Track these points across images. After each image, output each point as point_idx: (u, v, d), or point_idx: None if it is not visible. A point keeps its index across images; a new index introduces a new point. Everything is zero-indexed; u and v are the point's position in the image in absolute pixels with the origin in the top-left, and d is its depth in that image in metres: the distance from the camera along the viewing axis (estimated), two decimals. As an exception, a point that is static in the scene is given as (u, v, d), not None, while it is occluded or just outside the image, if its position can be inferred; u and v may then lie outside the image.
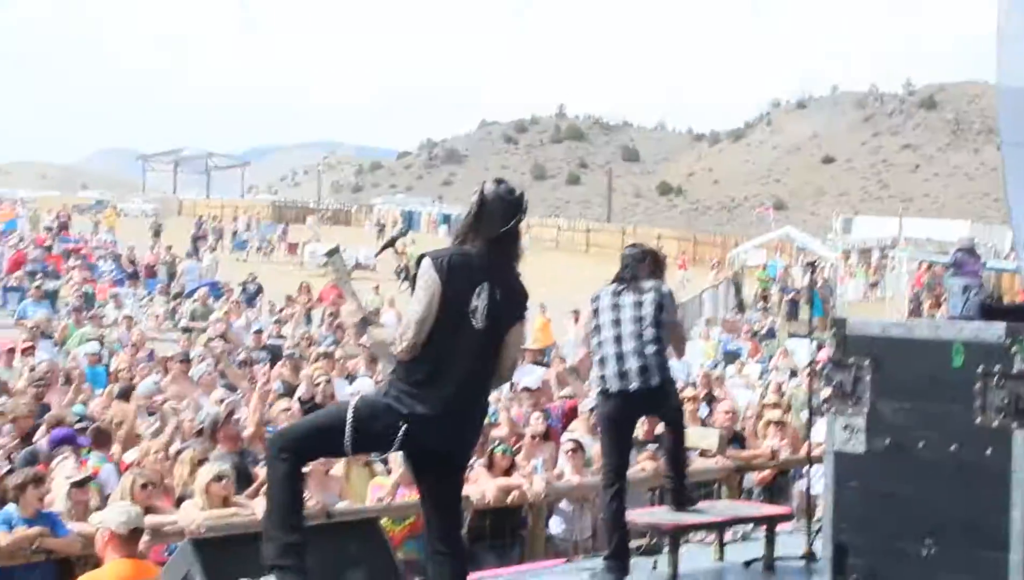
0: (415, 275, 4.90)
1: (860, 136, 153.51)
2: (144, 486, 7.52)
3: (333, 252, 5.52)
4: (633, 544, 6.95)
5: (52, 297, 25.06)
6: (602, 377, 6.83)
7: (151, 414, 10.67)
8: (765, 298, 36.05)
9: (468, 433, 5.06)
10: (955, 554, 4.61)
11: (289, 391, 12.51)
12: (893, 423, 4.79)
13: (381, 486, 8.71)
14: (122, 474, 8.34)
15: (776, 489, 10.74)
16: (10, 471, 8.01)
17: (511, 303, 4.99)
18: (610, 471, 6.85)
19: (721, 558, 7.37)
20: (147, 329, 22.05)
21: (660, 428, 9.17)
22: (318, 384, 11.91)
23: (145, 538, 6.54)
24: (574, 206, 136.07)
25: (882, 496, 4.81)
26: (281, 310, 24.18)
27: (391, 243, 5.51)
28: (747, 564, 7.19)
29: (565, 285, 29.37)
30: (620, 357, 6.76)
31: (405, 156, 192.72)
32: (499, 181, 5.09)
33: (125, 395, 11.77)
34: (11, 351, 14.77)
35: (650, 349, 6.77)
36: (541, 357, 18.15)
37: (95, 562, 6.54)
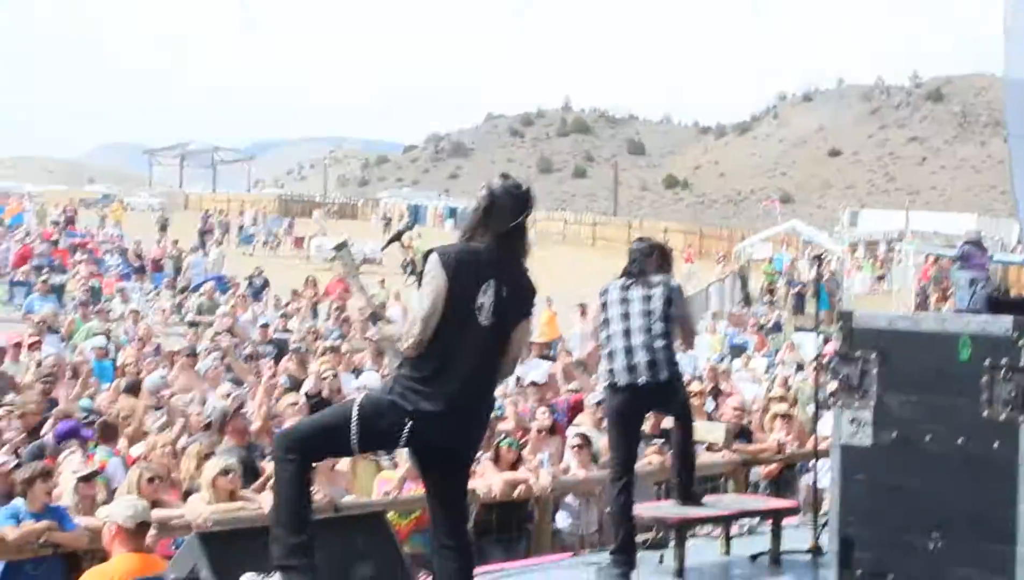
0: (422, 271, 4.90)
1: (867, 129, 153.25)
2: (151, 480, 7.54)
3: (342, 246, 5.50)
4: (639, 538, 6.94)
5: (59, 291, 25.10)
6: (611, 371, 6.82)
7: (158, 409, 10.68)
8: (771, 292, 36.01)
9: (474, 429, 5.05)
10: (962, 547, 4.61)
11: (295, 385, 12.52)
12: (900, 416, 4.79)
13: (388, 480, 8.72)
14: (129, 468, 8.36)
15: (783, 483, 10.73)
16: (18, 465, 8.03)
17: (518, 299, 4.99)
18: (618, 465, 6.85)
19: (727, 552, 7.37)
20: (153, 323, 22.07)
21: (666, 422, 9.17)
22: (325, 378, 11.92)
23: (152, 532, 6.55)
24: (580, 199, 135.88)
25: (889, 489, 4.81)
26: (287, 304, 24.19)
27: (398, 237, 5.48)
28: (753, 558, 7.19)
29: (571, 279, 29.36)
30: (629, 351, 6.77)
31: (411, 150, 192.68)
32: (505, 177, 5.09)
33: (132, 389, 11.79)
34: (17, 345, 14.79)
35: (659, 343, 6.77)
36: (547, 350, 18.18)
37: (102, 556, 6.55)
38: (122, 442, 9.53)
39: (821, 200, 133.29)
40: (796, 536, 7.23)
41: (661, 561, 6.92)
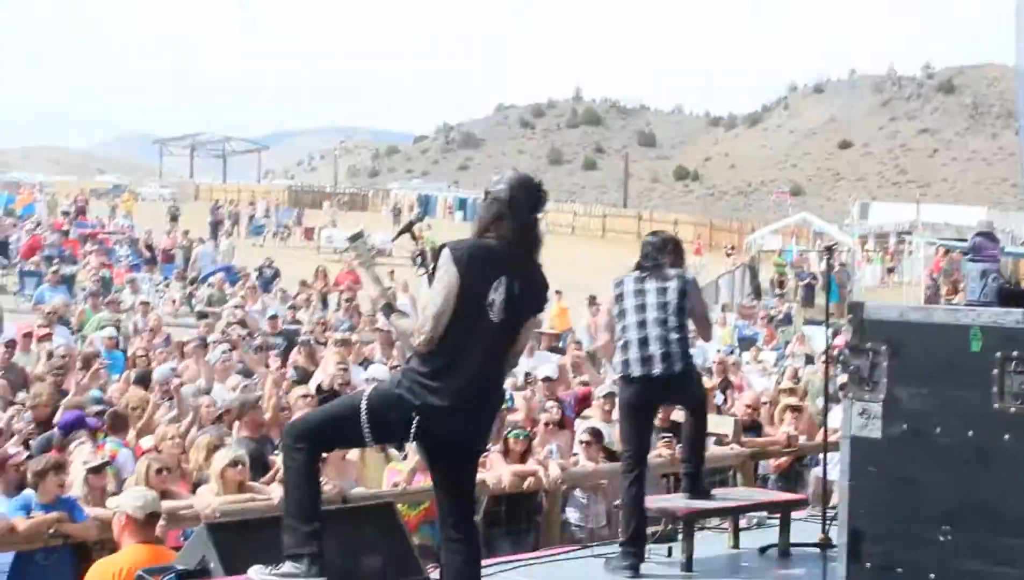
0: (434, 267, 4.89)
1: (878, 121, 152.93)
2: (159, 471, 7.54)
3: (357, 236, 5.47)
4: (647, 531, 6.94)
5: (69, 282, 25.11)
6: (625, 362, 6.81)
7: (168, 399, 10.69)
8: (781, 284, 35.96)
9: (482, 424, 5.06)
10: (972, 540, 4.59)
11: (304, 378, 12.51)
12: (910, 408, 4.77)
13: (397, 471, 8.72)
14: (138, 459, 8.37)
15: (792, 476, 10.72)
16: (29, 457, 8.05)
17: (531, 295, 4.99)
18: (630, 457, 6.84)
19: (736, 545, 7.35)
20: (163, 314, 22.09)
21: (676, 415, 9.17)
22: (344, 369, 11.88)
23: (161, 523, 6.57)
24: (590, 191, 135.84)
25: (898, 482, 4.79)
26: (296, 296, 24.20)
27: (408, 228, 5.46)
28: (762, 551, 7.18)
29: (581, 271, 29.34)
30: (644, 342, 6.76)
31: (422, 140, 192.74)
32: (517, 172, 5.10)
33: (142, 380, 11.81)
34: (27, 336, 14.81)
35: (674, 335, 6.77)
36: (557, 342, 18.17)
37: (112, 547, 6.57)
38: (131, 433, 9.54)
39: (832, 192, 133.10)
40: (805, 529, 7.21)
41: (669, 554, 6.91)
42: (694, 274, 7.40)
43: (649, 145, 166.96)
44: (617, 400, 7.69)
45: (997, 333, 4.58)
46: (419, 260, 5.10)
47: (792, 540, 7.13)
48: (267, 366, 13.11)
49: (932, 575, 4.62)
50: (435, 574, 5.54)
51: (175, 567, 5.56)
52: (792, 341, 20.83)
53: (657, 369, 6.73)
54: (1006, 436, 4.52)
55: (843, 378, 5.16)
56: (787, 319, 26.99)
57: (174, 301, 26.69)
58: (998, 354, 4.56)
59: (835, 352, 9.63)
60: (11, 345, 13.71)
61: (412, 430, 4.81)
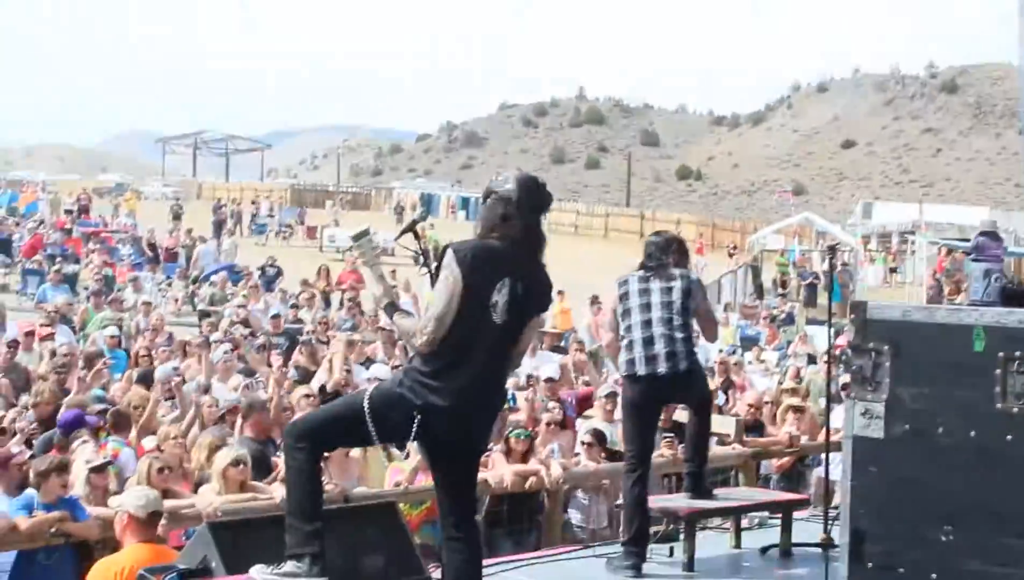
0: (437, 266, 4.89)
1: (881, 120, 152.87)
2: (161, 470, 7.54)
3: (362, 235, 5.42)
4: (649, 530, 6.93)
5: (72, 281, 25.12)
6: (630, 361, 6.80)
7: (170, 399, 10.69)
8: (784, 284, 35.93)
9: (483, 423, 5.06)
10: (974, 540, 4.58)
11: (305, 377, 12.50)
12: (912, 408, 4.76)
13: (399, 470, 8.71)
14: (140, 459, 8.37)
15: (794, 476, 10.71)
16: (31, 456, 8.05)
17: (535, 295, 4.99)
18: (633, 456, 6.83)
19: (738, 545, 7.35)
20: (166, 313, 22.08)
21: (678, 416, 9.15)
22: (348, 370, 11.86)
23: (163, 522, 6.57)
24: (593, 190, 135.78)
25: (901, 482, 4.78)
26: (298, 295, 24.19)
27: (411, 227, 5.45)
28: (764, 551, 7.17)
29: (583, 270, 29.32)
30: (648, 341, 6.75)
31: (424, 139, 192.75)
32: (521, 171, 5.10)
33: (144, 379, 11.80)
34: (30, 335, 14.81)
35: (679, 335, 6.77)
36: (559, 342, 18.15)
37: (114, 546, 6.58)
38: (133, 432, 9.53)
39: (835, 192, 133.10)
40: (807, 529, 7.21)
41: (671, 554, 6.90)
42: (697, 274, 7.39)
43: (652, 144, 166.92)
44: (620, 399, 7.68)
45: (1000, 333, 4.57)
46: (421, 259, 5.09)
47: (794, 540, 7.13)
48: (269, 365, 13.09)
49: (934, 575, 4.61)
50: (436, 574, 5.53)
51: (177, 566, 5.56)
52: (794, 341, 20.81)
53: (662, 368, 6.72)
54: (1009, 436, 4.52)
55: (845, 378, 5.14)
56: (789, 319, 26.96)
57: (176, 300, 26.68)
58: (1001, 354, 4.55)
59: (837, 352, 9.60)
60: (14, 344, 13.71)
61: (414, 429, 4.81)
